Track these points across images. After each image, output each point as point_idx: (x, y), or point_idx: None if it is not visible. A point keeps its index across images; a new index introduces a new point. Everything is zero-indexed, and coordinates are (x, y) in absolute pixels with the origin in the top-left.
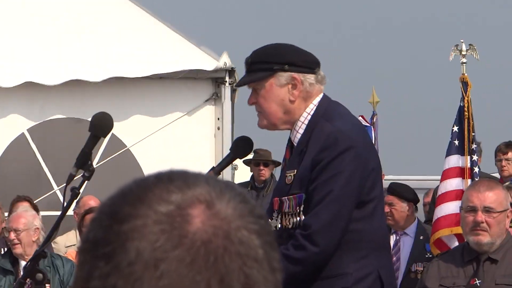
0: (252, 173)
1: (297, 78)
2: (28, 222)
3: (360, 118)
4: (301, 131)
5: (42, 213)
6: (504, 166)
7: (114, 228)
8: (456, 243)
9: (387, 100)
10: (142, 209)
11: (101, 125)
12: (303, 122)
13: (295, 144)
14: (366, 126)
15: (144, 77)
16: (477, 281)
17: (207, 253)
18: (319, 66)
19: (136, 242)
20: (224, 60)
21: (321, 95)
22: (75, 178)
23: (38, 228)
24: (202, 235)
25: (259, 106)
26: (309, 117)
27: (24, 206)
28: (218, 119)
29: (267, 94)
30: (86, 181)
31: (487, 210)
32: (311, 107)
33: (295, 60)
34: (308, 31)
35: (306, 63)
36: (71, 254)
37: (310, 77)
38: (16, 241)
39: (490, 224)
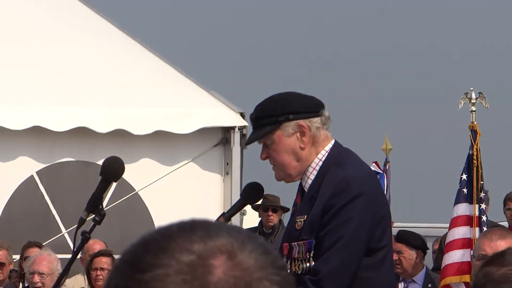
0: (260, 218)
1: (303, 125)
2: (52, 267)
3: (373, 164)
4: (312, 176)
5: None
6: None
7: (136, 277)
8: None
9: (399, 148)
10: (164, 259)
11: (112, 170)
12: (314, 168)
13: (306, 190)
14: (379, 173)
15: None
16: None
17: None
18: (323, 107)
19: None
20: (237, 110)
21: (332, 142)
22: (85, 222)
23: (59, 272)
24: (224, 286)
25: (272, 160)
26: (320, 163)
27: (41, 250)
28: (227, 164)
29: (278, 147)
30: (96, 225)
31: None
32: (323, 153)
33: (298, 107)
34: (319, 82)
35: (310, 107)
36: None
37: (316, 121)
38: (39, 284)
39: None
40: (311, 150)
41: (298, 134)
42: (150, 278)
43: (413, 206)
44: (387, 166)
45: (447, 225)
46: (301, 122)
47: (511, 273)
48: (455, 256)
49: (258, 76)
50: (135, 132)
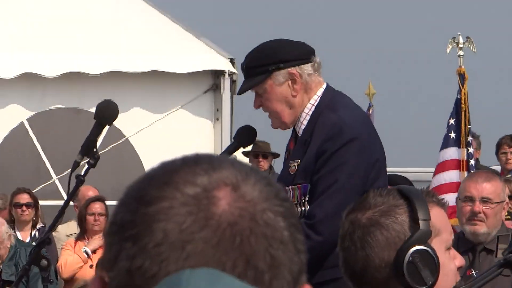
0: (250, 164)
1: (294, 73)
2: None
3: None
4: (305, 122)
5: (41, 202)
6: (510, 159)
7: (141, 210)
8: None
9: (383, 92)
10: (169, 192)
11: (106, 113)
12: (307, 113)
13: (300, 135)
14: None
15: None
16: (474, 272)
17: (233, 234)
18: (313, 53)
19: (163, 224)
20: (227, 56)
21: (324, 86)
22: (79, 165)
23: (9, 235)
24: (228, 217)
25: (265, 108)
26: (313, 108)
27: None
28: (217, 110)
29: (270, 95)
30: (91, 168)
31: (485, 200)
32: (315, 98)
33: (288, 55)
34: (303, 22)
35: (300, 54)
36: (70, 243)
37: (307, 68)
38: None
39: (487, 215)
40: (304, 96)
41: (290, 82)
42: (155, 211)
43: (400, 152)
44: (371, 111)
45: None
46: (292, 70)
47: (378, 215)
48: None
49: (248, 23)
50: (130, 69)
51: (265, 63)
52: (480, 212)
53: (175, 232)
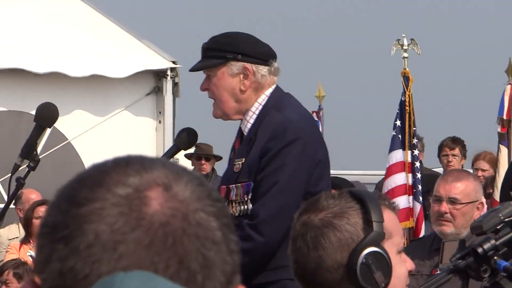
0: (193, 167)
1: (249, 69)
2: None
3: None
4: (252, 120)
5: None
6: (451, 162)
7: (72, 211)
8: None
9: (332, 94)
10: (100, 192)
11: (46, 116)
12: (254, 112)
13: (245, 133)
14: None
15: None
16: (439, 271)
17: (165, 235)
18: (274, 58)
19: (95, 225)
20: (169, 59)
21: (273, 87)
22: (20, 168)
23: None
24: (160, 217)
25: (211, 93)
26: (260, 107)
27: None
28: (160, 112)
29: (219, 82)
30: (31, 171)
31: (452, 201)
32: (263, 98)
33: (249, 50)
34: (253, 21)
35: (261, 54)
36: (15, 246)
37: (263, 69)
38: None
39: (454, 215)
40: (252, 94)
41: (241, 76)
42: (86, 212)
43: (348, 153)
44: (321, 113)
45: (383, 172)
46: (247, 65)
47: (331, 216)
48: (401, 203)
49: (192, 27)
50: (72, 74)
51: (225, 49)
52: (446, 213)
53: (107, 233)
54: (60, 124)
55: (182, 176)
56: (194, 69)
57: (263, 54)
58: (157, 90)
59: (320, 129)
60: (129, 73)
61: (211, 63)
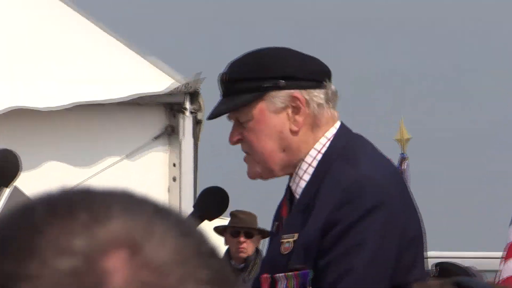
0: (227, 247)
1: (299, 98)
2: None
3: None
4: (307, 176)
5: None
6: None
7: None
8: None
9: (419, 137)
10: (32, 267)
11: (0, 170)
12: (310, 164)
13: (297, 196)
14: None
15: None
16: None
17: None
18: (329, 76)
19: None
20: (185, 80)
21: (337, 124)
22: None
23: None
24: None
25: (246, 145)
26: (319, 156)
27: None
28: (174, 165)
29: (258, 126)
30: None
31: None
32: (323, 142)
33: (293, 71)
34: (304, 38)
35: (311, 73)
36: None
37: (318, 94)
38: None
39: None
40: (307, 136)
41: (290, 111)
42: None
43: (456, 227)
44: (404, 164)
45: (499, 253)
46: (296, 93)
47: None
48: None
49: (214, 43)
50: (40, 105)
51: (258, 76)
52: None
53: None
54: (25, 182)
55: (154, 224)
56: (215, 114)
57: (314, 72)
58: (170, 132)
59: None
60: (127, 105)
61: (242, 100)
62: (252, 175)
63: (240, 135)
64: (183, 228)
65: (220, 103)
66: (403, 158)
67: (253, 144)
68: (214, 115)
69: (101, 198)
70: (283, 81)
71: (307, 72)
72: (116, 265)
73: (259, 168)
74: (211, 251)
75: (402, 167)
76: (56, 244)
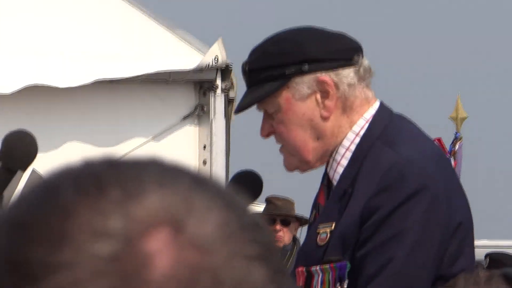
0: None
1: (326, 81)
2: None
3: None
4: (345, 161)
5: None
6: None
7: None
8: None
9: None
10: (66, 254)
11: (17, 153)
12: (347, 148)
13: (335, 182)
14: None
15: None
16: None
17: None
18: (359, 52)
19: None
20: (215, 53)
21: (376, 104)
22: None
23: None
24: (172, 286)
25: (278, 137)
26: (357, 139)
27: None
28: (204, 147)
29: (286, 116)
30: None
31: None
32: (361, 124)
33: (316, 52)
34: (341, 14)
35: (337, 52)
36: None
37: (348, 74)
38: None
39: None
40: (341, 120)
41: (318, 96)
42: None
43: (506, 214)
44: (457, 145)
45: None
46: (323, 76)
47: None
48: None
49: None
50: (60, 85)
51: (280, 63)
52: None
53: None
54: (44, 165)
55: (193, 196)
56: (241, 108)
57: (340, 51)
58: (201, 112)
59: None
60: (154, 81)
61: (266, 91)
62: (289, 168)
63: (271, 127)
64: (225, 199)
65: (245, 95)
66: (456, 138)
67: (284, 136)
68: (239, 109)
69: (131, 171)
70: (306, 65)
71: (331, 51)
72: (159, 246)
73: (295, 160)
74: (257, 223)
75: (454, 148)
76: (89, 226)
